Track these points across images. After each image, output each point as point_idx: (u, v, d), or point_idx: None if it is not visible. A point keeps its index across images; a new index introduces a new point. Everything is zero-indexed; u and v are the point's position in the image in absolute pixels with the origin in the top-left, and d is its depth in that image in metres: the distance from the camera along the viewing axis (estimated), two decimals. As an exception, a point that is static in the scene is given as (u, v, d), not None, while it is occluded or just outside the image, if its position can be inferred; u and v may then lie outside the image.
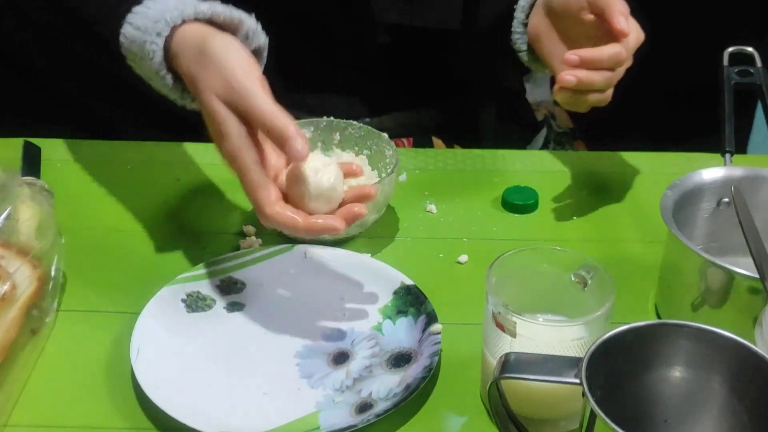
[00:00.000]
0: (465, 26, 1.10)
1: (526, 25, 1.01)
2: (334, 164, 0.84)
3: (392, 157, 0.97)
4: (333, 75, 1.13)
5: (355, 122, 1.00)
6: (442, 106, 1.18)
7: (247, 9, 0.87)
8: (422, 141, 1.16)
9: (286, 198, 0.81)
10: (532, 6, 1.00)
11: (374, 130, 0.99)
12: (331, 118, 1.01)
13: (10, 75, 1.20)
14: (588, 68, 0.87)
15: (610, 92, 0.90)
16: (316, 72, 1.12)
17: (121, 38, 0.85)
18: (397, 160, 0.95)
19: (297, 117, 0.84)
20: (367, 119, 1.12)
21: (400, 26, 1.09)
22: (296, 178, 0.81)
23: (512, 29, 1.02)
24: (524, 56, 1.03)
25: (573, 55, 0.88)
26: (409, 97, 1.16)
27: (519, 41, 1.02)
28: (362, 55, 1.11)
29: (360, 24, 1.09)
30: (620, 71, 0.89)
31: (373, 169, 0.99)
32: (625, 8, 0.89)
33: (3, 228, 0.82)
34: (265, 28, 0.88)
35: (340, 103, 1.10)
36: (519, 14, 1.01)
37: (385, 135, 0.99)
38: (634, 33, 0.89)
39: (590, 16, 0.91)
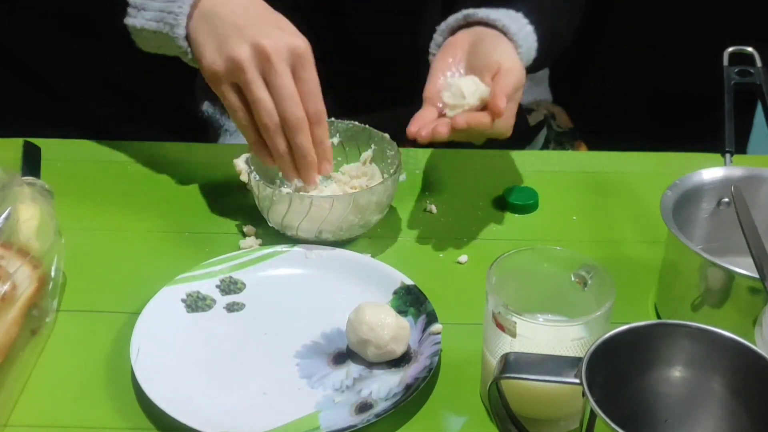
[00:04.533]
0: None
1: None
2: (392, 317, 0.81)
3: (394, 158, 0.97)
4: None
5: (356, 123, 1.00)
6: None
7: None
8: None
9: None
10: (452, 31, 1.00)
11: (375, 130, 0.99)
12: (332, 119, 0.98)
13: (10, 75, 1.20)
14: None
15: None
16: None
17: None
18: (400, 161, 0.95)
19: None
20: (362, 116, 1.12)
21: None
22: (360, 327, 0.79)
23: (429, 50, 1.02)
24: None
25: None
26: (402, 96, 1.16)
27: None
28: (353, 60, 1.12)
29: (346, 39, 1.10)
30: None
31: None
32: (506, 89, 0.89)
33: (3, 228, 0.82)
34: None
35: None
36: (438, 38, 1.01)
37: (387, 135, 0.98)
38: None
39: None
